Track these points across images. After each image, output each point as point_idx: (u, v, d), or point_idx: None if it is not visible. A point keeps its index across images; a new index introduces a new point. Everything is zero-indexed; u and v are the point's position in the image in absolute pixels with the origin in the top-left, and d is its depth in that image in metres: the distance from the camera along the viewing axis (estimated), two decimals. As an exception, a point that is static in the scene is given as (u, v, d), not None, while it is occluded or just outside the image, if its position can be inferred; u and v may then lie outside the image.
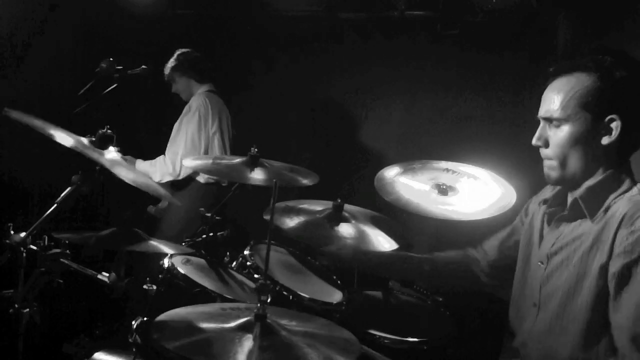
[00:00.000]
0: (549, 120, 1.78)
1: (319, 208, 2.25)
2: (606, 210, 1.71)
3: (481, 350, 2.24)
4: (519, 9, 3.67)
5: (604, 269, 1.65)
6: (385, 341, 1.98)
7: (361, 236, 2.12)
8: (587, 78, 1.71)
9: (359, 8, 4.15)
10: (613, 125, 1.70)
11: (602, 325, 1.66)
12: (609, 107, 1.70)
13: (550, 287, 1.81)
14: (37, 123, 1.79)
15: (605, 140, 1.72)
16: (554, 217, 1.87)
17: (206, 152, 3.76)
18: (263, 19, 4.37)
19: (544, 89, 1.82)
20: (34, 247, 1.81)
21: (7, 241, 1.76)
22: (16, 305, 1.77)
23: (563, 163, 1.77)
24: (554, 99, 1.76)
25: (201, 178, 3.75)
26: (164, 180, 3.69)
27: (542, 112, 1.80)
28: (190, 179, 3.75)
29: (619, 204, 1.69)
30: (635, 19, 3.10)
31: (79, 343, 2.27)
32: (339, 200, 2.21)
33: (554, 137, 1.77)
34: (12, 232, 1.77)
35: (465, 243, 2.28)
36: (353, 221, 2.18)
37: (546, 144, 1.80)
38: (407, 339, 2.00)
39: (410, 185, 2.28)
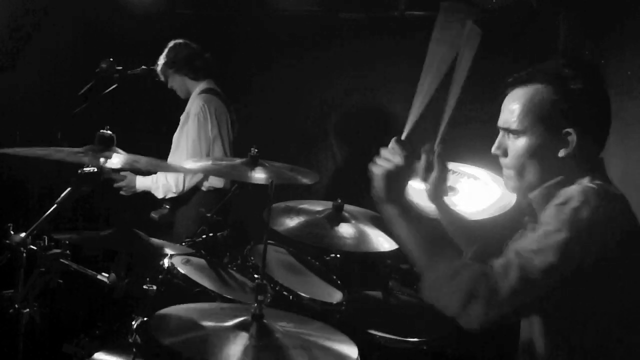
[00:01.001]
0: (507, 130, 1.78)
1: (319, 208, 2.25)
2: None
3: (481, 351, 2.24)
4: (518, 9, 3.67)
5: None
6: (385, 341, 1.98)
7: (361, 236, 2.13)
8: (543, 90, 1.70)
9: (359, 8, 4.14)
10: (569, 138, 1.68)
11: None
12: (564, 120, 1.68)
13: None
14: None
15: (562, 153, 1.69)
16: (527, 225, 1.87)
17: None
18: (263, 18, 4.36)
19: (503, 98, 1.83)
20: (34, 247, 1.81)
21: (7, 241, 1.76)
22: (16, 305, 1.77)
23: (520, 173, 1.76)
24: (512, 110, 1.76)
25: (204, 187, 3.64)
26: (168, 197, 3.58)
27: (501, 122, 1.80)
28: (195, 188, 3.62)
29: (564, 190, 1.66)
30: (636, 19, 3.10)
31: (79, 343, 2.27)
32: (339, 200, 2.21)
33: (512, 148, 1.76)
34: (12, 232, 1.77)
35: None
36: (353, 221, 2.19)
37: (505, 154, 1.79)
38: (407, 339, 2.01)
39: (410, 185, 2.28)
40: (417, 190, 2.27)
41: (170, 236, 3.56)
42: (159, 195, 3.57)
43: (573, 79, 1.69)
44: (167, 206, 3.69)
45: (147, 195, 3.66)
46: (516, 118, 1.73)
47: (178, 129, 3.65)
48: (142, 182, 3.59)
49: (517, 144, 1.74)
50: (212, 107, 3.59)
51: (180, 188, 3.53)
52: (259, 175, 2.37)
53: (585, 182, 1.67)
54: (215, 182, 3.61)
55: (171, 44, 3.69)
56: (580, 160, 1.71)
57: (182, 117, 3.66)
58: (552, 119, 1.69)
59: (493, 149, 1.82)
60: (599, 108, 1.72)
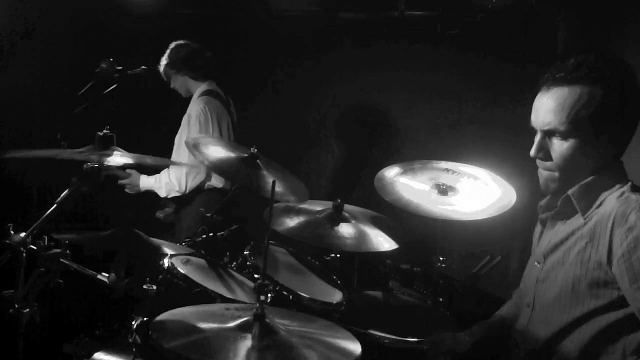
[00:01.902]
0: (550, 132, 1.74)
1: (319, 208, 2.25)
2: (598, 207, 1.71)
3: (481, 351, 2.23)
4: (518, 9, 3.67)
5: (602, 266, 1.64)
6: (385, 341, 1.98)
7: (361, 236, 2.12)
8: (591, 89, 1.68)
9: (359, 8, 4.14)
10: (611, 136, 1.71)
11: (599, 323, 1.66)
12: (612, 118, 1.69)
13: (546, 287, 1.80)
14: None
15: (607, 151, 1.72)
16: (548, 218, 1.86)
17: None
18: (263, 18, 4.36)
19: (538, 95, 1.77)
20: (34, 247, 1.81)
21: (7, 241, 1.76)
22: (16, 305, 1.77)
23: (565, 174, 1.75)
24: (556, 110, 1.71)
25: (205, 187, 3.65)
26: (170, 196, 3.61)
27: (543, 124, 1.75)
28: (198, 189, 3.63)
29: (609, 201, 1.69)
30: (636, 20, 3.10)
31: (79, 343, 2.27)
32: (339, 200, 2.21)
33: (558, 150, 1.73)
34: (12, 232, 1.77)
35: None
36: (353, 221, 2.19)
37: (547, 157, 1.76)
38: (407, 339, 2.00)
39: (410, 185, 2.29)
40: (416, 189, 2.27)
41: (173, 235, 3.58)
42: (162, 194, 3.59)
43: (617, 77, 1.69)
44: (172, 205, 3.72)
45: (148, 195, 3.66)
46: (565, 119, 1.69)
47: (179, 130, 3.66)
48: (145, 181, 3.62)
49: (565, 146, 1.72)
50: (212, 110, 3.61)
51: (183, 188, 3.55)
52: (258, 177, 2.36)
53: (626, 190, 1.69)
54: (215, 181, 3.63)
55: (172, 44, 3.73)
56: (617, 156, 1.76)
57: (183, 119, 3.67)
58: (601, 117, 1.68)
59: (533, 153, 1.78)
60: (635, 102, 1.74)
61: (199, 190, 3.63)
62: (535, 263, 1.87)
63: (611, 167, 1.75)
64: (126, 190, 3.67)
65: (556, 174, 1.76)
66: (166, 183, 3.55)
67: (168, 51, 3.72)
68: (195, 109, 3.61)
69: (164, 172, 3.58)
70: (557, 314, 1.73)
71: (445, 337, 1.97)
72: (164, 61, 3.72)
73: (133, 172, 3.62)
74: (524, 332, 1.85)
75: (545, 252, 1.82)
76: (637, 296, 1.60)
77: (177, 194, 3.58)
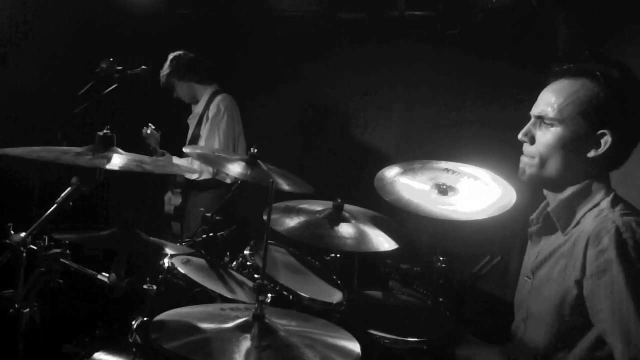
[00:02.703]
0: (541, 118, 1.76)
1: (319, 208, 2.25)
2: (576, 225, 1.71)
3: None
4: (518, 9, 3.67)
5: (579, 284, 1.65)
6: (385, 341, 1.98)
7: (361, 236, 2.12)
8: (592, 86, 1.68)
9: (359, 8, 4.14)
10: (603, 139, 1.68)
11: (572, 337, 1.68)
12: (605, 120, 1.68)
13: (535, 302, 1.81)
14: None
15: (591, 153, 1.70)
16: (534, 233, 1.89)
17: (235, 151, 3.80)
18: (263, 18, 4.36)
19: (544, 87, 1.80)
20: (34, 247, 1.81)
21: (7, 241, 1.76)
22: (16, 305, 1.77)
23: (543, 163, 1.75)
24: (552, 99, 1.73)
25: (228, 179, 3.78)
26: (202, 178, 3.75)
27: (536, 109, 1.78)
28: (216, 180, 3.80)
29: (587, 219, 1.68)
30: (637, 21, 3.10)
31: (79, 343, 2.27)
32: (339, 200, 2.21)
33: (542, 137, 1.75)
34: (12, 232, 1.77)
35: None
36: (353, 221, 2.18)
37: (532, 141, 1.78)
38: (407, 339, 2.00)
39: (410, 185, 2.28)
40: (416, 189, 2.27)
41: (184, 225, 3.63)
42: (194, 176, 3.75)
43: (621, 82, 1.68)
44: (178, 195, 3.78)
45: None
46: (555, 107, 1.71)
47: (208, 123, 3.78)
48: (178, 162, 3.71)
49: (549, 134, 1.73)
50: (235, 106, 3.86)
51: (211, 170, 3.73)
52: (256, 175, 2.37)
53: (605, 207, 1.67)
54: (223, 175, 3.75)
55: (171, 55, 3.85)
56: (602, 165, 1.72)
57: (206, 113, 3.82)
58: (595, 116, 1.68)
59: (520, 135, 1.81)
60: (637, 117, 1.71)
61: (216, 181, 3.76)
62: (526, 278, 1.89)
63: (594, 177, 1.73)
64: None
65: (535, 160, 1.77)
66: (200, 164, 3.67)
67: (167, 62, 3.83)
68: (222, 104, 3.79)
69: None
70: (547, 329, 1.74)
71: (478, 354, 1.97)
72: (165, 71, 3.84)
73: (166, 153, 3.77)
74: (520, 346, 1.86)
75: (533, 267, 1.84)
76: (599, 318, 1.60)
77: (209, 176, 3.74)
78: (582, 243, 1.64)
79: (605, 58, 1.75)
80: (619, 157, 1.74)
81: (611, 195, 1.71)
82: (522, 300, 1.89)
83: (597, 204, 1.70)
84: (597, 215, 1.67)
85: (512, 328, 1.96)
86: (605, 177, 1.76)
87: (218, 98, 3.83)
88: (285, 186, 2.40)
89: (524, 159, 1.82)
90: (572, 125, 1.70)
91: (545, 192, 1.86)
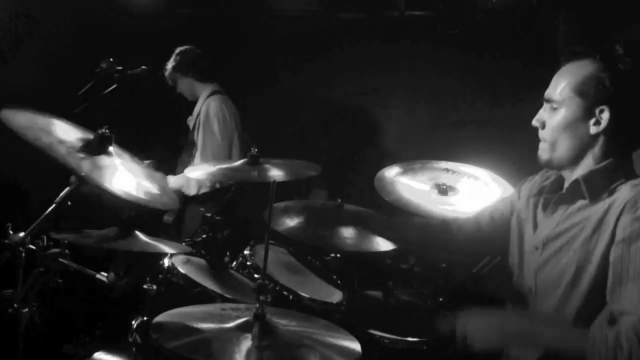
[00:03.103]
0: (548, 101, 1.78)
1: (319, 208, 2.25)
2: (610, 194, 1.68)
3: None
4: (518, 9, 3.67)
5: (604, 254, 1.62)
6: (385, 341, 1.98)
7: (361, 236, 2.12)
8: (590, 66, 1.71)
9: (359, 8, 4.14)
10: (602, 115, 1.69)
11: (594, 311, 1.64)
12: (601, 96, 1.68)
13: (547, 272, 1.77)
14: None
15: (593, 130, 1.70)
16: (550, 201, 1.83)
17: (230, 157, 3.75)
18: (263, 18, 4.36)
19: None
20: (33, 247, 1.81)
21: (7, 241, 1.76)
22: (16, 305, 1.77)
23: (553, 146, 1.77)
24: (558, 82, 1.76)
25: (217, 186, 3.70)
26: (201, 192, 3.65)
27: (546, 94, 1.80)
28: (215, 191, 3.69)
29: (623, 190, 1.66)
30: (637, 21, 3.10)
31: (79, 343, 2.27)
32: (339, 200, 2.21)
33: (550, 120, 1.77)
34: (11, 232, 1.77)
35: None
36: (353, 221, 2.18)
37: (542, 126, 1.80)
38: (407, 339, 2.00)
39: (410, 185, 2.28)
40: (416, 189, 2.27)
41: (178, 237, 3.60)
42: (193, 192, 3.63)
43: (623, 60, 1.69)
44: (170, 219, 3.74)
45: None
46: (558, 90, 1.74)
47: (200, 130, 3.70)
48: (174, 182, 3.64)
49: (554, 117, 1.75)
50: (229, 108, 3.74)
51: (210, 183, 3.63)
52: (263, 174, 2.36)
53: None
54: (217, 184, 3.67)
55: (178, 50, 3.80)
56: (616, 142, 1.71)
57: (198, 119, 3.74)
58: (589, 93, 1.69)
59: (533, 121, 1.82)
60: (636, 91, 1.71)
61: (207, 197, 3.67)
62: (534, 248, 1.83)
63: (617, 157, 1.72)
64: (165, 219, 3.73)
65: (546, 144, 1.78)
66: (197, 180, 3.59)
67: (173, 56, 3.79)
68: (212, 107, 3.70)
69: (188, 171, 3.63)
70: (559, 301, 1.71)
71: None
72: (169, 65, 3.79)
73: (161, 174, 3.66)
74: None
75: (545, 238, 1.79)
76: (622, 285, 1.56)
77: (208, 190, 3.64)
78: (616, 211, 1.62)
79: (611, 47, 1.76)
80: (627, 135, 1.72)
81: None
82: (529, 271, 1.84)
83: (631, 179, 1.68)
84: (633, 186, 1.65)
85: (512, 301, 1.93)
86: (629, 162, 1.75)
87: (208, 101, 3.74)
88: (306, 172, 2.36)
89: (540, 145, 1.83)
90: (572, 105, 1.72)
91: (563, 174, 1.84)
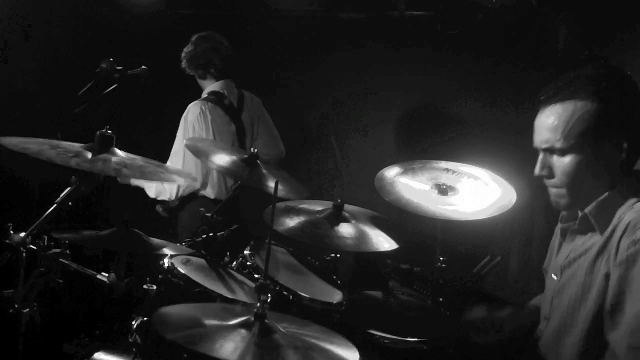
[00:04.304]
0: (550, 150, 1.75)
1: (319, 208, 2.25)
2: (616, 223, 1.69)
3: (482, 351, 2.24)
4: (518, 9, 3.67)
5: (607, 277, 1.63)
6: (385, 341, 1.98)
7: (361, 236, 2.12)
8: (584, 103, 1.68)
9: (359, 8, 4.15)
10: (620, 147, 1.68)
11: (601, 337, 1.65)
12: (612, 129, 1.68)
13: (560, 299, 1.79)
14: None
15: (612, 162, 1.70)
16: (568, 230, 1.86)
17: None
18: (263, 18, 4.37)
19: (537, 116, 1.79)
20: (34, 247, 1.81)
21: (7, 241, 1.75)
22: (16, 305, 1.77)
23: (572, 190, 1.74)
24: (552, 128, 1.72)
25: (202, 193, 3.61)
26: (159, 198, 3.54)
27: (541, 142, 1.76)
28: (192, 195, 3.59)
29: (627, 215, 1.66)
30: (637, 21, 3.10)
31: (79, 343, 2.27)
32: (339, 200, 2.21)
33: (560, 166, 1.74)
34: (12, 232, 1.77)
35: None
36: (353, 221, 2.18)
37: (550, 174, 1.77)
38: (407, 339, 2.00)
39: (410, 185, 2.28)
40: (416, 189, 2.27)
41: (175, 235, 3.57)
42: (151, 195, 3.54)
43: (611, 88, 1.67)
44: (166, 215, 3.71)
45: (148, 194, 3.66)
46: (560, 136, 1.70)
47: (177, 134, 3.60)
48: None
49: (565, 161, 1.72)
50: (208, 116, 3.51)
51: (173, 196, 3.49)
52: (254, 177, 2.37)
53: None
54: (209, 191, 3.55)
55: (195, 37, 3.65)
56: (625, 167, 1.72)
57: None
58: (599, 130, 1.67)
59: (536, 171, 1.79)
60: (638, 110, 1.71)
61: (193, 195, 3.58)
62: (553, 276, 1.86)
63: (624, 181, 1.72)
64: (119, 180, 3.58)
65: (563, 190, 1.76)
66: (157, 186, 3.49)
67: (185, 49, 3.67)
68: (190, 113, 3.51)
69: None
70: (565, 326, 1.73)
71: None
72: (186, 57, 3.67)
73: None
74: (543, 345, 1.85)
75: (562, 265, 1.82)
76: (618, 307, 1.58)
77: (166, 199, 3.53)
78: (619, 233, 1.63)
79: (585, 70, 1.74)
80: (634, 154, 1.73)
81: None
82: (546, 299, 1.87)
83: (634, 203, 1.68)
84: (636, 209, 1.66)
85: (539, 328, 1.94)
86: (636, 177, 1.75)
87: (194, 105, 3.54)
88: (284, 193, 2.38)
89: (552, 191, 1.80)
90: (585, 148, 1.69)
91: None
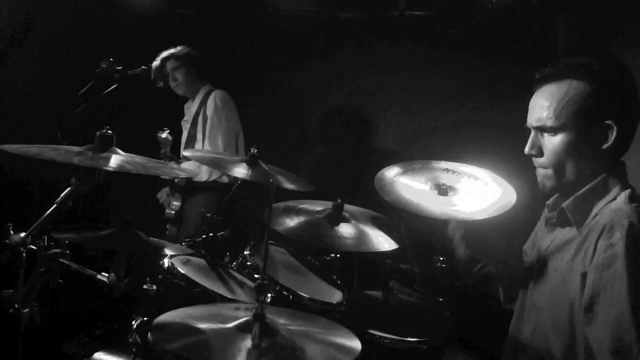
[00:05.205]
0: (541, 129, 1.76)
1: (319, 208, 2.25)
2: (592, 219, 1.70)
3: (482, 351, 2.24)
4: (518, 9, 3.67)
5: (584, 276, 1.64)
6: (385, 341, 1.98)
7: (361, 236, 2.12)
8: (579, 84, 1.69)
9: (359, 8, 4.15)
10: (609, 131, 1.68)
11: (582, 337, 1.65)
12: (603, 113, 1.68)
13: (541, 289, 1.81)
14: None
15: (601, 146, 1.70)
16: (550, 220, 1.87)
17: (237, 151, 3.79)
18: (263, 18, 4.36)
19: (532, 96, 1.80)
20: (34, 247, 1.81)
21: (7, 241, 1.76)
22: (16, 305, 1.77)
23: (559, 171, 1.75)
24: (544, 107, 1.73)
25: (226, 179, 3.74)
26: (212, 178, 3.69)
27: (533, 120, 1.77)
28: (213, 182, 3.73)
29: (604, 213, 1.67)
30: (636, 21, 3.10)
31: (79, 343, 2.27)
32: (339, 200, 2.21)
33: (549, 145, 1.75)
34: (12, 232, 1.77)
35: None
36: (353, 221, 2.18)
37: (540, 153, 1.78)
38: (407, 339, 2.00)
39: (410, 185, 2.28)
40: (416, 189, 2.27)
41: (181, 228, 3.61)
42: (204, 177, 3.69)
43: (606, 72, 1.68)
44: (179, 199, 3.74)
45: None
46: (552, 114, 1.71)
47: (208, 121, 3.71)
48: (187, 166, 3.64)
49: (554, 141, 1.73)
50: (232, 103, 3.82)
51: (204, 177, 3.69)
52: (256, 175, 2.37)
53: (621, 201, 1.66)
54: (224, 176, 3.72)
55: (179, 47, 3.82)
56: (613, 154, 1.72)
57: (202, 112, 3.75)
58: (591, 112, 1.68)
59: (526, 150, 1.80)
60: (632, 100, 1.72)
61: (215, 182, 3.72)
62: (536, 262, 1.88)
63: (609, 170, 1.73)
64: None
65: (550, 171, 1.77)
66: (197, 166, 3.63)
67: (175, 50, 3.78)
68: (220, 99, 3.74)
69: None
70: (552, 320, 1.73)
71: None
72: (173, 58, 3.77)
73: (174, 157, 3.70)
74: (527, 336, 1.85)
75: (542, 255, 1.84)
76: (593, 308, 1.59)
77: (219, 175, 3.69)
78: (596, 234, 1.63)
79: (583, 56, 1.75)
80: (623, 143, 1.73)
81: (628, 191, 1.69)
82: (531, 286, 1.87)
83: (614, 199, 1.69)
84: (612, 209, 1.66)
85: (519, 316, 1.94)
86: (621, 170, 1.75)
87: (213, 95, 3.77)
88: (287, 184, 2.41)
89: (539, 172, 1.81)
90: (575, 127, 1.70)
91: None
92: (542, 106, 1.74)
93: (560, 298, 1.71)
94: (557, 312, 1.71)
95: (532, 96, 1.80)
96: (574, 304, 1.67)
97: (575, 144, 1.71)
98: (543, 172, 1.80)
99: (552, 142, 1.74)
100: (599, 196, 1.71)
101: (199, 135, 3.77)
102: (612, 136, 1.68)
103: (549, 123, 1.72)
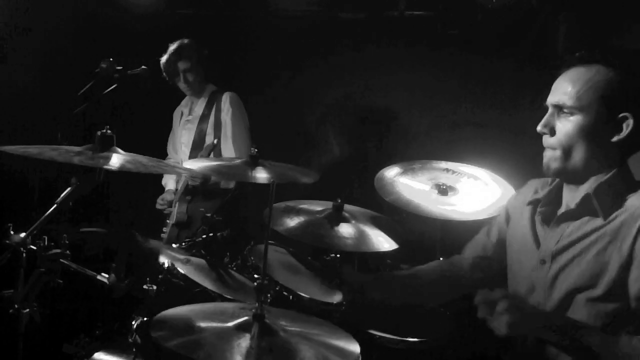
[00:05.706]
0: (559, 107, 1.73)
1: (319, 208, 2.25)
2: (618, 207, 1.66)
3: (481, 351, 2.24)
4: (518, 9, 3.67)
5: (623, 268, 1.61)
6: (385, 341, 1.98)
7: (361, 236, 2.12)
8: (607, 71, 1.68)
9: (359, 8, 4.14)
10: (625, 123, 1.67)
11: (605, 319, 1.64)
12: (625, 104, 1.66)
13: (559, 285, 1.75)
14: None
15: (613, 138, 1.68)
16: (551, 215, 1.82)
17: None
18: (263, 18, 4.36)
19: (558, 77, 1.77)
20: (34, 248, 1.81)
21: (7, 241, 1.76)
22: (16, 305, 1.77)
23: (567, 154, 1.72)
24: (568, 87, 1.71)
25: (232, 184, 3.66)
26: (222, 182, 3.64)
27: (553, 99, 1.75)
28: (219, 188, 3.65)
29: (633, 200, 1.65)
30: (636, 21, 3.10)
31: (79, 343, 2.27)
32: (339, 201, 2.21)
33: (562, 126, 1.72)
34: (12, 232, 1.77)
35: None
36: (353, 221, 2.18)
37: (552, 132, 1.75)
38: (407, 339, 2.00)
39: (410, 185, 2.29)
40: (416, 189, 2.27)
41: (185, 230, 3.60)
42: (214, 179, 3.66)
43: (636, 66, 1.68)
44: (184, 206, 3.70)
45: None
46: (574, 95, 1.69)
47: (229, 122, 3.70)
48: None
49: (569, 122, 1.71)
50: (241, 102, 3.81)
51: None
52: (260, 175, 2.37)
53: None
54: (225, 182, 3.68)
55: (187, 40, 3.76)
56: (624, 150, 1.70)
57: (215, 111, 3.74)
58: (614, 101, 1.66)
59: (539, 127, 1.77)
60: None
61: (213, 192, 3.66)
62: (541, 262, 1.80)
63: (619, 166, 1.71)
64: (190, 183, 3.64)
65: (558, 152, 1.73)
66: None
67: (187, 49, 3.74)
68: (230, 100, 3.74)
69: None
70: (568, 313, 1.70)
71: None
72: (192, 55, 3.75)
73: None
74: None
75: (554, 251, 1.76)
76: None
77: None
78: (632, 224, 1.61)
79: (615, 47, 1.76)
80: (635, 140, 1.70)
81: None
82: (537, 286, 1.81)
83: (633, 187, 1.67)
84: None
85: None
86: (629, 171, 1.74)
87: (228, 98, 3.75)
88: (304, 179, 2.39)
89: (547, 153, 1.78)
90: (592, 112, 1.68)
91: (565, 185, 1.82)
92: (566, 86, 1.72)
93: (589, 288, 1.67)
94: (582, 303, 1.68)
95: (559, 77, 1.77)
96: (602, 293, 1.63)
97: (590, 129, 1.68)
98: (551, 153, 1.77)
99: (566, 124, 1.71)
100: (623, 186, 1.69)
101: (210, 138, 3.70)
102: (627, 129, 1.67)
103: (569, 102, 1.70)
